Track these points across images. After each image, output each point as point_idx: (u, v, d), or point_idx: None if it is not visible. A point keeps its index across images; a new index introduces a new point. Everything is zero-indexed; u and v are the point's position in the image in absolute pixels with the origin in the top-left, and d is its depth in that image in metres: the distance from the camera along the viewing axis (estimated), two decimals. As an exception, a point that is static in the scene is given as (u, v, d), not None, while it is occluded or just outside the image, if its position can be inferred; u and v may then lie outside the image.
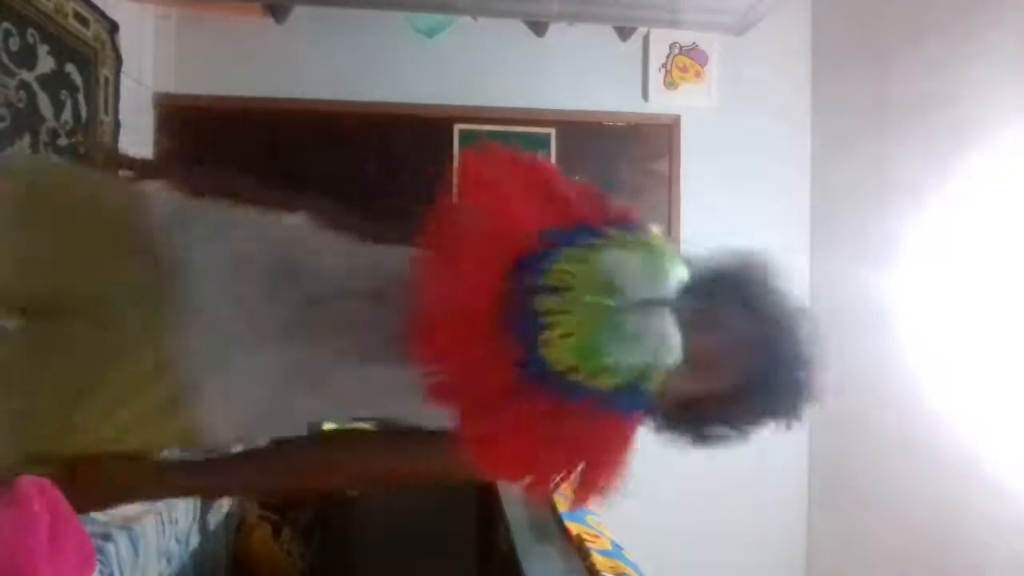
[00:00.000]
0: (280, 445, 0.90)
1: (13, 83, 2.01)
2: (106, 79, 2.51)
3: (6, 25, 1.97)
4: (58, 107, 2.24)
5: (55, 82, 2.22)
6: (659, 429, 1.00)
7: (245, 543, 2.06)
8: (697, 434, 1.00)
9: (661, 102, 3.18)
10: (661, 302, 0.84)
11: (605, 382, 0.79)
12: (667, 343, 0.81)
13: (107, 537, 1.31)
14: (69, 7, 2.27)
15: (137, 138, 2.76)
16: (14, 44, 2.01)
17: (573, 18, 2.98)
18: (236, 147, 2.95)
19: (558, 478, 0.88)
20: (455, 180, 0.93)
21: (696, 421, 0.98)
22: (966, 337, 2.40)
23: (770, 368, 0.88)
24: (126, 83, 2.65)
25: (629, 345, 0.79)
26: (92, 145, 2.42)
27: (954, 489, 2.41)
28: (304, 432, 0.92)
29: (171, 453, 0.95)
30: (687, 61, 3.20)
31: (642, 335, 0.80)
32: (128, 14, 2.65)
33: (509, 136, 3.08)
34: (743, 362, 0.88)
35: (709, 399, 0.92)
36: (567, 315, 0.77)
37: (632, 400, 0.85)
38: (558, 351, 0.76)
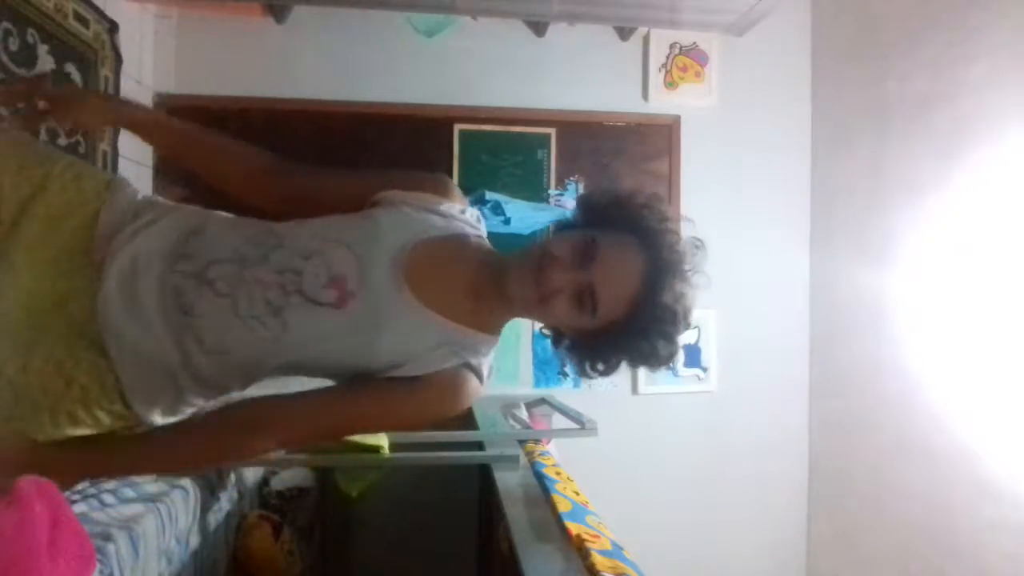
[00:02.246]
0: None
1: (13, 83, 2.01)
2: (106, 79, 2.51)
3: (6, 25, 1.97)
4: (58, 107, 2.23)
5: (55, 82, 2.21)
6: (562, 359, 1.07)
7: (245, 543, 2.06)
8: (584, 362, 1.03)
9: (661, 102, 3.18)
10: None
11: None
12: None
13: (107, 537, 1.31)
14: (69, 7, 2.27)
15: (137, 138, 2.76)
16: (14, 44, 2.00)
17: (573, 18, 2.98)
18: (236, 147, 2.94)
19: None
20: None
21: (585, 349, 1.02)
22: (966, 337, 2.40)
23: (654, 302, 0.93)
24: (126, 83, 2.65)
25: None
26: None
27: (953, 489, 2.41)
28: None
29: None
30: (687, 61, 3.21)
31: None
32: (128, 14, 2.65)
33: (509, 136, 3.09)
34: (633, 292, 0.94)
35: (598, 330, 0.97)
36: None
37: None
38: None
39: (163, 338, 0.93)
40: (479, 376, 1.00)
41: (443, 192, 1.07)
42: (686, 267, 0.96)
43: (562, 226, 1.08)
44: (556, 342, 1.08)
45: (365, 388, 0.97)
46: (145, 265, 0.95)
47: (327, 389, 1.00)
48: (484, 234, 1.11)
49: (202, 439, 0.99)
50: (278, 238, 0.98)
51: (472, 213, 1.11)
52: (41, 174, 0.99)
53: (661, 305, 0.93)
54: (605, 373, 1.03)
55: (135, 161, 2.75)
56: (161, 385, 0.95)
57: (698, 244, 1.00)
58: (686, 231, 1.01)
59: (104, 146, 2.51)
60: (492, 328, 1.04)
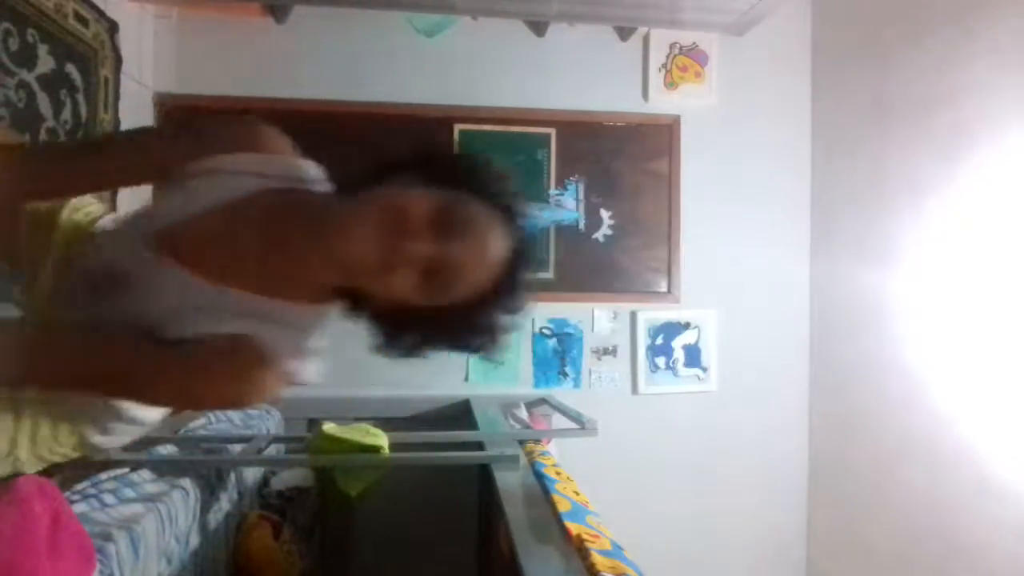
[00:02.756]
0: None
1: (13, 83, 2.01)
2: (106, 79, 2.51)
3: (6, 25, 1.97)
4: (58, 107, 2.24)
5: (55, 82, 2.21)
6: (379, 340, 0.90)
7: (245, 543, 2.06)
8: (395, 339, 0.89)
9: (661, 102, 3.19)
10: None
11: None
12: None
13: (107, 537, 1.31)
14: (69, 7, 2.27)
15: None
16: (14, 44, 2.00)
17: (573, 18, 2.99)
18: (236, 147, 2.95)
19: None
20: None
21: (405, 327, 0.88)
22: (966, 337, 2.40)
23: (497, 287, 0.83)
24: (126, 83, 2.65)
25: None
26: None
27: (954, 489, 2.41)
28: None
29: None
30: (687, 61, 3.21)
31: None
32: (128, 14, 2.65)
33: (509, 136, 3.09)
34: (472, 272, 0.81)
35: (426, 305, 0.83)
36: None
37: None
38: None
39: None
40: (269, 350, 0.84)
41: (259, 145, 0.95)
42: (532, 253, 0.89)
43: (386, 170, 0.86)
44: (356, 308, 0.89)
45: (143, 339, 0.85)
46: None
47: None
48: (304, 176, 0.95)
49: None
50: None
51: (284, 162, 0.95)
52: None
53: (512, 296, 0.85)
54: (412, 353, 0.90)
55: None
56: None
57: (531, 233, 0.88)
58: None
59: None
60: (302, 294, 0.88)
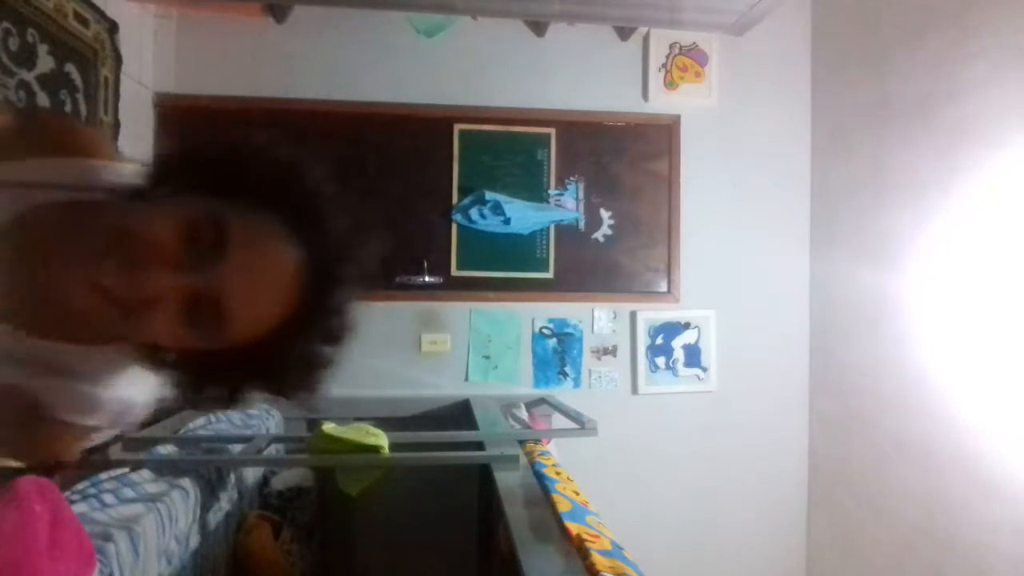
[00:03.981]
0: None
1: (13, 83, 2.01)
2: (106, 79, 2.51)
3: (6, 25, 1.97)
4: (58, 107, 2.23)
5: (55, 82, 2.21)
6: (174, 388, 0.69)
7: (245, 543, 2.06)
8: (195, 386, 0.69)
9: (661, 102, 3.19)
10: None
11: None
12: None
13: (107, 537, 1.31)
14: (69, 7, 2.27)
15: (137, 138, 2.76)
16: (14, 44, 2.00)
17: (573, 18, 2.99)
18: (236, 147, 2.95)
19: None
20: None
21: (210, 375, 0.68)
22: (966, 337, 2.40)
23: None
24: (126, 83, 2.65)
25: None
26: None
27: (953, 489, 2.41)
28: None
29: None
30: (687, 61, 3.21)
31: None
32: (128, 14, 2.65)
33: (509, 136, 3.09)
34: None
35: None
36: None
37: None
38: None
39: None
40: None
41: (67, 150, 0.73)
42: (353, 262, 0.66)
43: (138, 183, 0.67)
44: (149, 356, 0.68)
45: None
46: None
47: None
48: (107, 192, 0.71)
49: None
50: None
51: (106, 168, 0.73)
52: None
53: (329, 317, 0.65)
54: (227, 403, 0.70)
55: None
56: None
57: (360, 227, 0.67)
58: (340, 205, 0.67)
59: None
60: None
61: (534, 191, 3.09)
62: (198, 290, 0.59)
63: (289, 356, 0.65)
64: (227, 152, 0.66)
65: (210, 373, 0.67)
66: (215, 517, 1.88)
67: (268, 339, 0.63)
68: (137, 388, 0.73)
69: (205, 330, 0.60)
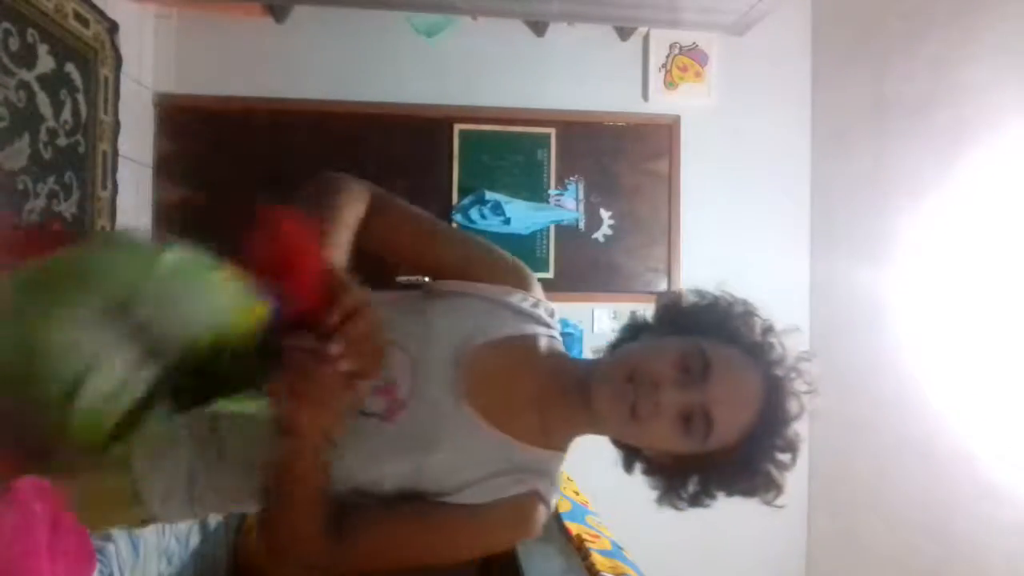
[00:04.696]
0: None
1: (13, 83, 2.01)
2: (106, 79, 2.51)
3: (6, 25, 1.97)
4: (58, 107, 2.24)
5: (55, 82, 2.21)
6: (659, 491, 0.92)
7: (245, 543, 2.06)
8: (675, 489, 0.90)
9: (661, 102, 3.18)
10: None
11: None
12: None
13: (107, 537, 1.31)
14: (69, 7, 2.27)
15: (137, 138, 2.76)
16: (14, 44, 2.00)
17: (573, 18, 2.99)
18: (236, 147, 2.95)
19: None
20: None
21: (686, 478, 0.89)
22: (966, 337, 2.40)
23: (766, 427, 0.81)
24: (126, 83, 2.65)
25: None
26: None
27: (953, 489, 2.41)
28: None
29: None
30: (687, 61, 3.20)
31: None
32: (128, 14, 2.65)
33: (509, 136, 3.09)
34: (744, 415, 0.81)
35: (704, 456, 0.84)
36: None
37: None
38: None
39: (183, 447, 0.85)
40: (547, 503, 0.86)
41: (519, 281, 0.92)
42: (799, 386, 0.83)
43: (637, 329, 0.95)
44: (629, 461, 0.94)
45: (414, 508, 0.79)
46: None
47: (363, 511, 0.79)
48: (557, 333, 0.95)
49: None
50: None
51: (546, 308, 0.94)
52: None
53: (780, 430, 0.82)
54: (696, 502, 0.91)
55: (134, 160, 2.75)
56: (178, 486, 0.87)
57: (805, 357, 0.85)
58: (788, 341, 0.85)
59: (104, 146, 2.51)
60: (560, 443, 0.91)
61: (534, 191, 3.09)
62: (693, 403, 0.78)
63: (759, 458, 0.84)
64: (713, 304, 0.87)
65: (682, 476, 0.88)
66: (215, 517, 1.88)
67: (738, 448, 0.83)
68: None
69: (696, 436, 0.79)
